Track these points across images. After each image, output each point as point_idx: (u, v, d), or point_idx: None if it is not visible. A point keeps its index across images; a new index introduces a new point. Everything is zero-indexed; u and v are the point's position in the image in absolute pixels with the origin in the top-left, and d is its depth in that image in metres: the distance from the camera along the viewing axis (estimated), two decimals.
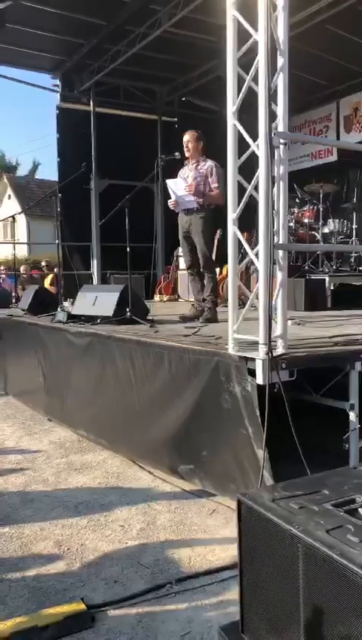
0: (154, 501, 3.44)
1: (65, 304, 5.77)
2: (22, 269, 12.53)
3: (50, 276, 11.74)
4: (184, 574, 2.57)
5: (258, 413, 2.90)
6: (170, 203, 5.34)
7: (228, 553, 2.71)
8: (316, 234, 7.52)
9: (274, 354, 2.94)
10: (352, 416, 3.18)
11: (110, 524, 3.14)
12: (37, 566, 2.70)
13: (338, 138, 10.74)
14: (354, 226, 7.65)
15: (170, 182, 5.32)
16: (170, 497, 3.50)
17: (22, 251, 19.86)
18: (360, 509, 1.80)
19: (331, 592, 1.55)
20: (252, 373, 2.98)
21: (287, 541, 1.70)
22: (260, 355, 2.92)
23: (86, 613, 2.26)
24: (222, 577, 2.53)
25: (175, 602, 2.36)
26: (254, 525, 1.88)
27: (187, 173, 5.31)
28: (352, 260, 7.59)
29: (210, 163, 5.21)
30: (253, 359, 2.96)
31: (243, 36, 3.12)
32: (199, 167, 5.23)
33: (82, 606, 2.30)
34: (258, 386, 2.92)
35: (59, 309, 5.71)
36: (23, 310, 6.69)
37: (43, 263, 13.33)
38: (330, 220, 7.56)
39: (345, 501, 1.84)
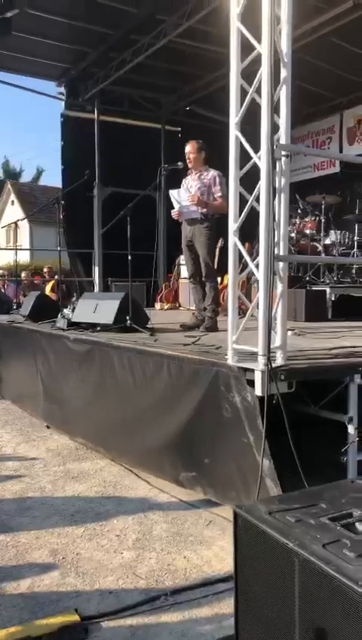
0: (150, 511, 3.43)
1: (66, 311, 5.77)
2: (22, 275, 12.52)
3: (52, 283, 11.74)
4: (179, 586, 2.55)
5: (260, 421, 2.89)
6: (173, 213, 5.35)
7: (224, 565, 2.69)
8: (317, 245, 7.53)
9: (273, 365, 2.93)
10: (351, 429, 3.16)
11: (106, 534, 3.12)
12: (32, 575, 2.68)
13: (341, 150, 10.76)
14: (355, 238, 7.65)
15: (173, 192, 5.33)
16: (167, 507, 3.48)
17: (25, 257, 19.87)
18: (357, 524, 1.79)
19: (327, 607, 1.53)
20: (251, 383, 2.97)
21: (283, 555, 1.69)
22: (259, 366, 2.92)
23: (80, 624, 2.24)
24: (218, 590, 2.51)
25: (169, 614, 2.34)
26: (250, 538, 1.86)
27: (190, 183, 5.33)
28: (353, 271, 7.59)
29: (213, 173, 5.23)
30: (252, 370, 2.95)
31: (246, 47, 3.13)
32: (202, 177, 5.25)
33: (76, 617, 2.28)
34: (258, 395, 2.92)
35: (59, 316, 5.71)
36: (24, 316, 6.69)
37: (45, 269, 13.33)
38: (332, 232, 7.56)
39: (342, 515, 1.83)
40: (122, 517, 3.34)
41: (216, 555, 2.85)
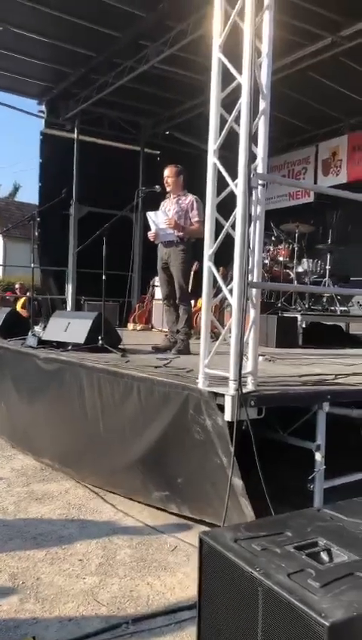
0: (115, 535, 3.36)
1: (37, 329, 5.70)
2: None
3: (23, 299, 11.63)
4: (141, 614, 2.50)
5: (231, 444, 2.89)
6: (150, 235, 5.38)
7: (188, 592, 2.65)
8: (290, 272, 7.64)
9: (244, 391, 2.94)
10: (318, 456, 3.18)
11: (68, 558, 3.05)
12: None
13: (315, 181, 11.02)
14: (327, 267, 7.79)
15: (150, 214, 5.36)
16: (132, 532, 3.42)
17: None
18: (322, 553, 1.79)
19: (290, 638, 1.52)
20: (221, 408, 2.97)
21: (247, 583, 1.67)
22: (229, 391, 2.92)
23: None
24: (181, 618, 2.46)
25: None
26: (215, 565, 1.84)
27: (168, 206, 5.37)
28: (324, 299, 7.71)
29: (190, 197, 5.29)
30: (222, 395, 2.95)
31: (227, 77, 3.19)
32: (180, 201, 5.30)
33: None
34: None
35: (29, 334, 5.64)
36: None
37: (17, 286, 13.20)
38: (304, 260, 7.69)
39: (308, 544, 1.83)
40: (86, 541, 3.27)
41: (180, 582, 2.81)
